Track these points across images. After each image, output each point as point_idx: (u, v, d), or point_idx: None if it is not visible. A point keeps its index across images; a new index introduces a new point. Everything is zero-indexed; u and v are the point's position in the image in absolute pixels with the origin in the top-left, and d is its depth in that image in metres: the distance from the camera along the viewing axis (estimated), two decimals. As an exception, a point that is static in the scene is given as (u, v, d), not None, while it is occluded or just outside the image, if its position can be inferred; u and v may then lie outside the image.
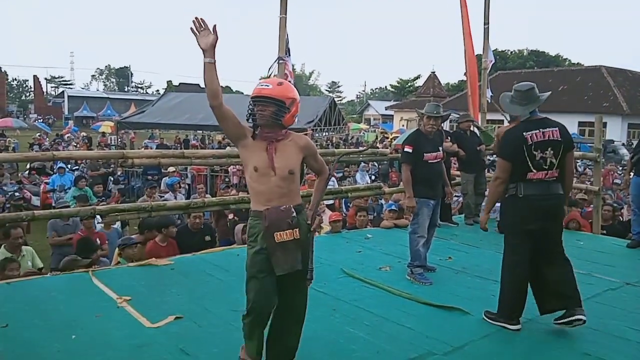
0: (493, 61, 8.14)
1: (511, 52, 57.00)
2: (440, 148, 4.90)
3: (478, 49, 8.04)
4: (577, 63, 53.82)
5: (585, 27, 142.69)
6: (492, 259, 5.35)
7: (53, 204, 9.49)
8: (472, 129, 7.24)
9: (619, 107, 30.38)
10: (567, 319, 3.47)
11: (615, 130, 29.10)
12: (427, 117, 4.80)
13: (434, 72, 44.32)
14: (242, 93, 59.02)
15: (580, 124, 29.07)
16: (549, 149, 3.53)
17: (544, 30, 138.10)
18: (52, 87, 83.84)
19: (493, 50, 8.40)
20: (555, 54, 60.24)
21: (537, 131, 3.52)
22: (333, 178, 11.72)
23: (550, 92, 3.99)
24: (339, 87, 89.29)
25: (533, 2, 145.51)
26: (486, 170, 7.76)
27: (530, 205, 3.55)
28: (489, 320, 3.68)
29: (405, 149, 4.76)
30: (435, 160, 4.81)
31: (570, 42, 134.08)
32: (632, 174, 6.41)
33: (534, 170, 3.51)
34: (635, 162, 6.24)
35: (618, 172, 13.93)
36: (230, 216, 7.91)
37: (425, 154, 4.73)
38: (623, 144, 25.13)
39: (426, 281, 4.53)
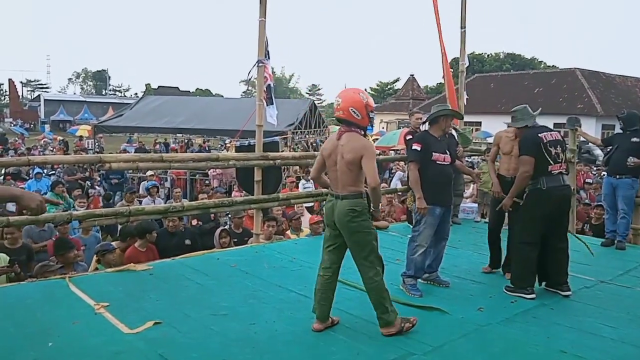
0: (467, 64, 8.23)
1: (488, 55, 57.76)
2: (448, 151, 4.51)
3: (455, 53, 8.15)
4: (552, 66, 54.74)
5: (560, 30, 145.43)
6: (470, 259, 5.44)
7: (28, 210, 9.28)
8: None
9: (593, 109, 31.00)
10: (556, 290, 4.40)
11: (590, 131, 29.32)
12: (445, 117, 4.52)
13: (412, 75, 44.72)
14: (222, 96, 58.78)
15: (556, 125, 29.32)
16: (558, 146, 4.38)
17: (519, 34, 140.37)
18: (28, 90, 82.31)
19: (470, 54, 8.50)
20: (531, 57, 61.24)
21: (547, 133, 4.40)
22: (312, 180, 11.74)
23: (540, 109, 4.93)
24: (319, 89, 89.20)
25: (509, 5, 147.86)
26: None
27: (551, 195, 4.31)
28: (508, 292, 4.39)
29: (414, 147, 4.40)
30: (445, 163, 4.43)
31: (546, 44, 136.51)
32: (603, 173, 6.59)
33: (552, 163, 4.31)
34: (606, 162, 6.40)
35: (592, 172, 14.20)
36: (194, 222, 7.53)
37: (434, 153, 4.37)
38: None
39: (416, 293, 4.31)
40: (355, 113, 3.44)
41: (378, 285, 3.48)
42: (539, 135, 4.35)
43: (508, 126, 4.90)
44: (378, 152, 16.96)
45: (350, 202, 3.44)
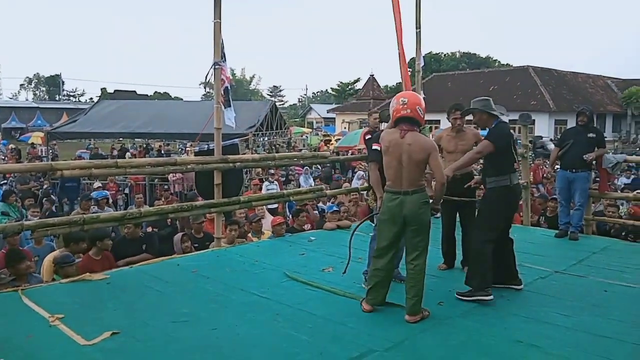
0: (422, 64, 8.38)
1: (444, 55, 58.97)
2: None
3: (411, 53, 8.24)
4: (506, 64, 56.31)
5: (513, 29, 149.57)
6: (429, 255, 5.51)
7: (-22, 222, 8.89)
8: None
9: (545, 105, 32.07)
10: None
11: (543, 127, 30.66)
12: None
13: (372, 75, 45.16)
14: (182, 99, 57.85)
15: (511, 122, 30.12)
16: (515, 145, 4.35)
17: (475, 33, 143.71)
18: (-24, 97, 78.88)
19: (427, 54, 8.65)
20: (486, 56, 62.94)
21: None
22: (276, 182, 11.71)
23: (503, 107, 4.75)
24: (280, 91, 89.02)
25: (464, 5, 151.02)
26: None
27: (516, 191, 4.32)
28: (464, 299, 4.12)
29: (374, 147, 4.37)
30: None
31: (499, 43, 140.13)
32: (557, 166, 6.79)
33: (516, 161, 4.33)
34: (560, 156, 6.61)
35: (546, 166, 14.65)
36: (149, 229, 7.31)
37: None
38: (551, 140, 26.51)
39: None
40: (420, 111, 3.74)
41: (420, 270, 3.75)
42: (511, 131, 4.27)
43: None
44: (341, 152, 17.10)
45: (421, 196, 3.73)
